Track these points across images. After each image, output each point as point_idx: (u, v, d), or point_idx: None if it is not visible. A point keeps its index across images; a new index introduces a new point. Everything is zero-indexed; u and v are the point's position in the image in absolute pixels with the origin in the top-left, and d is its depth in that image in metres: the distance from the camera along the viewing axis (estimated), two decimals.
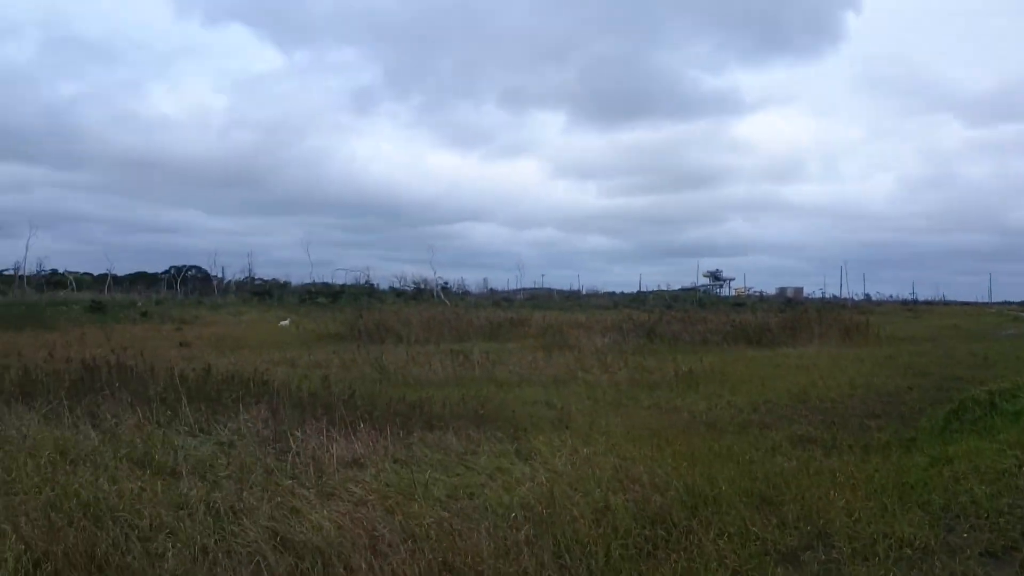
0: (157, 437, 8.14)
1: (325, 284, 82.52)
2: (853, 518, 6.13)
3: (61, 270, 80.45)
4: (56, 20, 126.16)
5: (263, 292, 71.04)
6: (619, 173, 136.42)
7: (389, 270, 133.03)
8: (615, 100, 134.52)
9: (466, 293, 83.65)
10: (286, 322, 37.47)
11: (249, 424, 8.51)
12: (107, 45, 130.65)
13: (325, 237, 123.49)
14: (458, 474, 7.34)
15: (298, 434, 8.01)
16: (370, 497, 6.41)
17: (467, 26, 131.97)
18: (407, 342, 28.16)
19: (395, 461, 7.75)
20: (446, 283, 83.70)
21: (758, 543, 5.71)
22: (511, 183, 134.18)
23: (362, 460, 7.60)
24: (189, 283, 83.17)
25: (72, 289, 70.57)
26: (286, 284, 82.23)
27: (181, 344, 25.69)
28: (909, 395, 14.47)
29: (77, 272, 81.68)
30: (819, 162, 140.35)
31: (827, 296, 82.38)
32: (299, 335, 31.70)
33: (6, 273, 73.13)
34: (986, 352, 22.46)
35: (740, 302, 66.61)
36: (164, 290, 78.25)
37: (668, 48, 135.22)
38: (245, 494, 6.27)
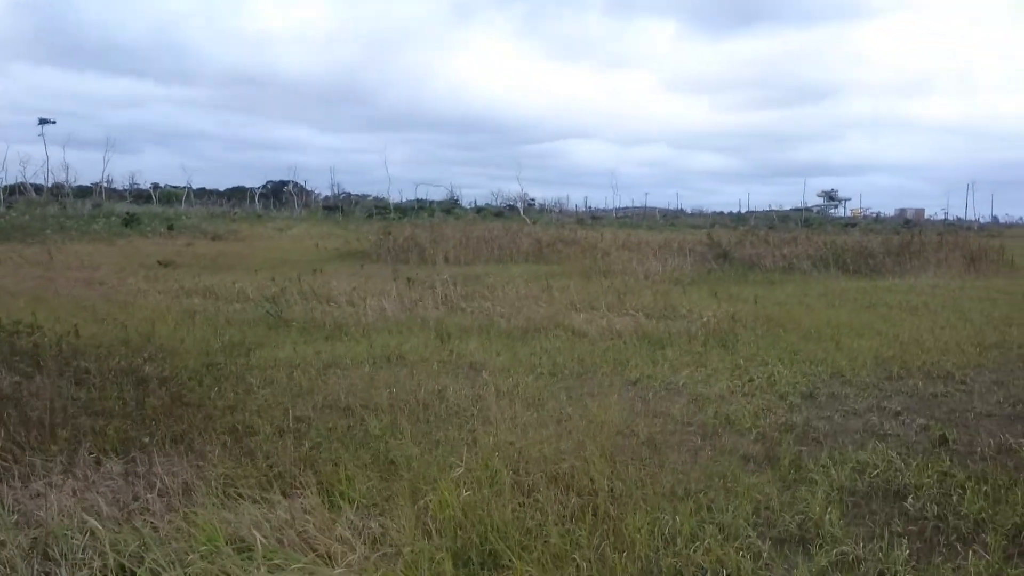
0: None
1: (418, 200, 79.98)
2: None
3: (162, 184, 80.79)
4: None
5: (333, 207, 69.40)
6: (732, 87, 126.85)
7: (491, 188, 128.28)
8: (730, 5, 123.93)
9: (562, 211, 79.14)
10: None
11: None
12: None
13: (433, 155, 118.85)
14: None
15: None
16: None
17: None
18: (433, 263, 24.51)
19: None
20: (532, 201, 79.69)
21: None
22: (618, 98, 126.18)
23: None
24: (284, 197, 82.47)
25: (154, 203, 70.04)
26: (366, 199, 79.77)
27: (160, 263, 21.98)
28: None
29: (177, 186, 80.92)
30: (952, 74, 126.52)
31: (951, 219, 73.94)
32: (320, 253, 28.00)
33: (96, 185, 73.07)
34: None
35: (852, 223, 59.42)
36: (249, 203, 77.49)
37: None
38: None
